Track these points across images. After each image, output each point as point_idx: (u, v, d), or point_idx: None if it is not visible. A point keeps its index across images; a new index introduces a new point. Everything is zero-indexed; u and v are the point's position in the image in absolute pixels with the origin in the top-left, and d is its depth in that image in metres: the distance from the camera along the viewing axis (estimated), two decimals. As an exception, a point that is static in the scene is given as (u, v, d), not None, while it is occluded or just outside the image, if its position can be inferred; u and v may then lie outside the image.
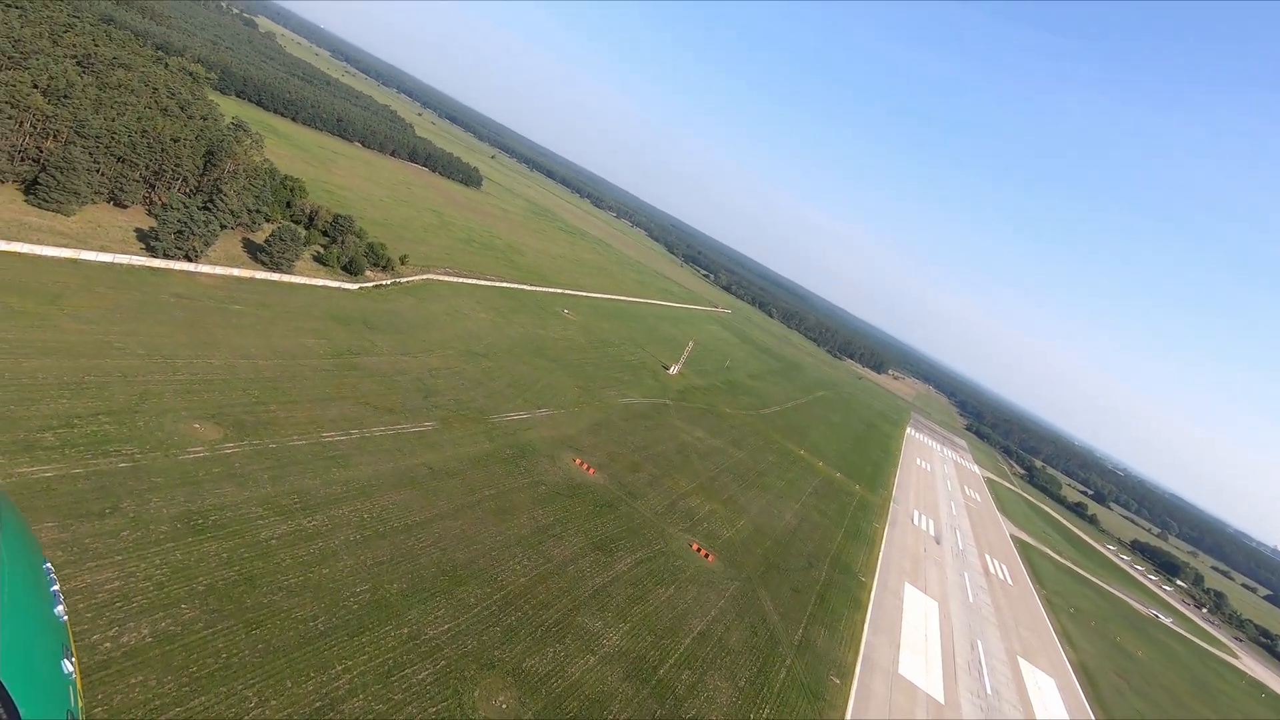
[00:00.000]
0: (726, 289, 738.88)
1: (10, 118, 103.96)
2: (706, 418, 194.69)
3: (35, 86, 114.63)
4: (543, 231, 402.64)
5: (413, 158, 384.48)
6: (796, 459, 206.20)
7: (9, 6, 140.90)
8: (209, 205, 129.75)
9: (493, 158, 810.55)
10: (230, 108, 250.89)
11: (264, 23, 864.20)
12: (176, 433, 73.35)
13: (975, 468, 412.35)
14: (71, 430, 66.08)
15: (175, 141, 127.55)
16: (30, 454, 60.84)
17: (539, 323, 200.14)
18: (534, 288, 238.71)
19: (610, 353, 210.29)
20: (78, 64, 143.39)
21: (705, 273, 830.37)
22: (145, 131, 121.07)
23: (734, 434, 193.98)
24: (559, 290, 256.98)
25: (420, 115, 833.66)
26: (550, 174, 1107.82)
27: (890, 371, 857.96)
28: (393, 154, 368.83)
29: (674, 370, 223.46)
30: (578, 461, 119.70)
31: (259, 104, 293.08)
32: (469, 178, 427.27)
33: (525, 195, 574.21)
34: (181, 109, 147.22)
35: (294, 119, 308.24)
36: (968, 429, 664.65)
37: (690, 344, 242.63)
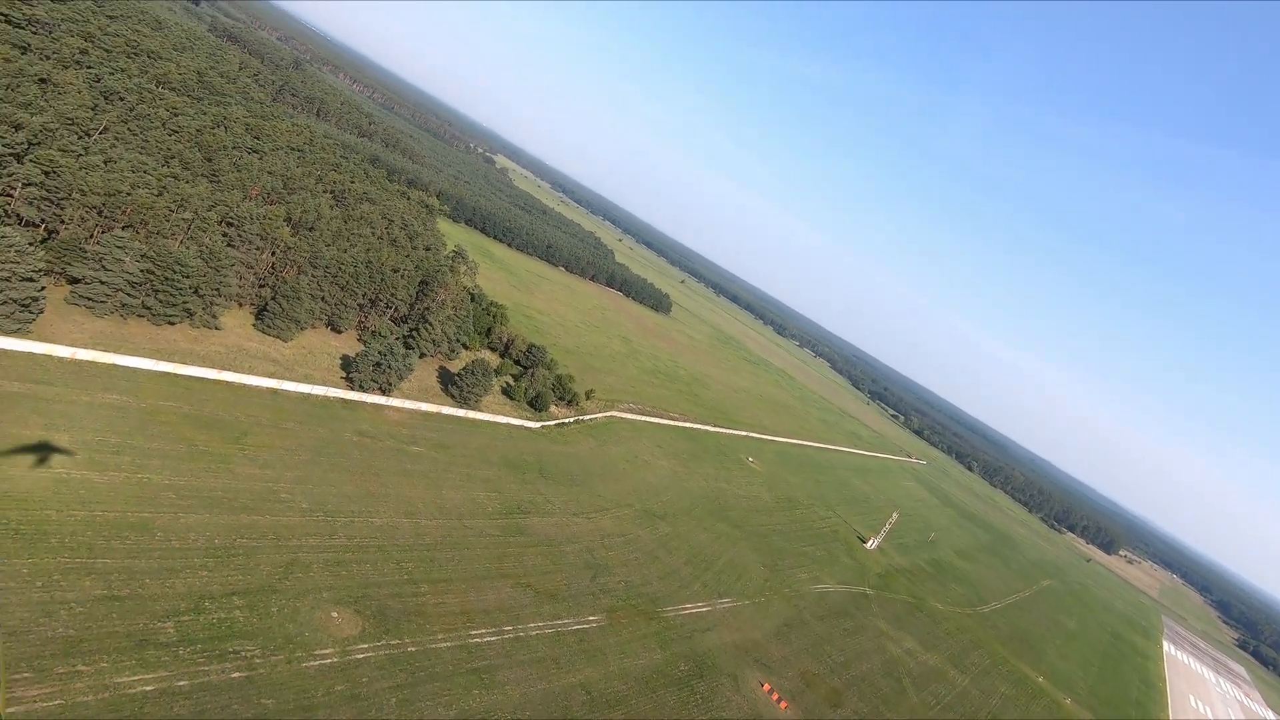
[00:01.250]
0: (918, 434, 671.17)
1: (259, 248, 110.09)
2: (915, 618, 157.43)
3: (288, 220, 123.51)
4: (727, 361, 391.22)
5: (610, 283, 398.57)
6: (1035, 692, 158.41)
7: (291, 150, 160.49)
8: (414, 334, 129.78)
9: (682, 282, 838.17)
10: (457, 234, 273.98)
11: (502, 161, 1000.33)
12: (310, 624, 61.37)
13: (1271, 716, 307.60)
14: (197, 619, 55.99)
15: (395, 271, 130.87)
16: (140, 654, 50.53)
17: (722, 473, 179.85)
18: (717, 429, 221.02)
19: (799, 516, 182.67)
20: (332, 197, 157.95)
21: (894, 413, 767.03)
22: (370, 261, 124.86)
23: (951, 645, 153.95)
24: (743, 432, 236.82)
25: (620, 240, 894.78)
26: (735, 299, 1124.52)
27: (1122, 552, 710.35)
28: (592, 279, 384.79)
29: (872, 545, 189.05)
30: (766, 688, 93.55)
31: (482, 230, 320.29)
32: (659, 303, 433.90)
33: (711, 321, 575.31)
34: (409, 239, 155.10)
35: (509, 244, 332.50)
36: (1240, 645, 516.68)
37: (894, 515, 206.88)
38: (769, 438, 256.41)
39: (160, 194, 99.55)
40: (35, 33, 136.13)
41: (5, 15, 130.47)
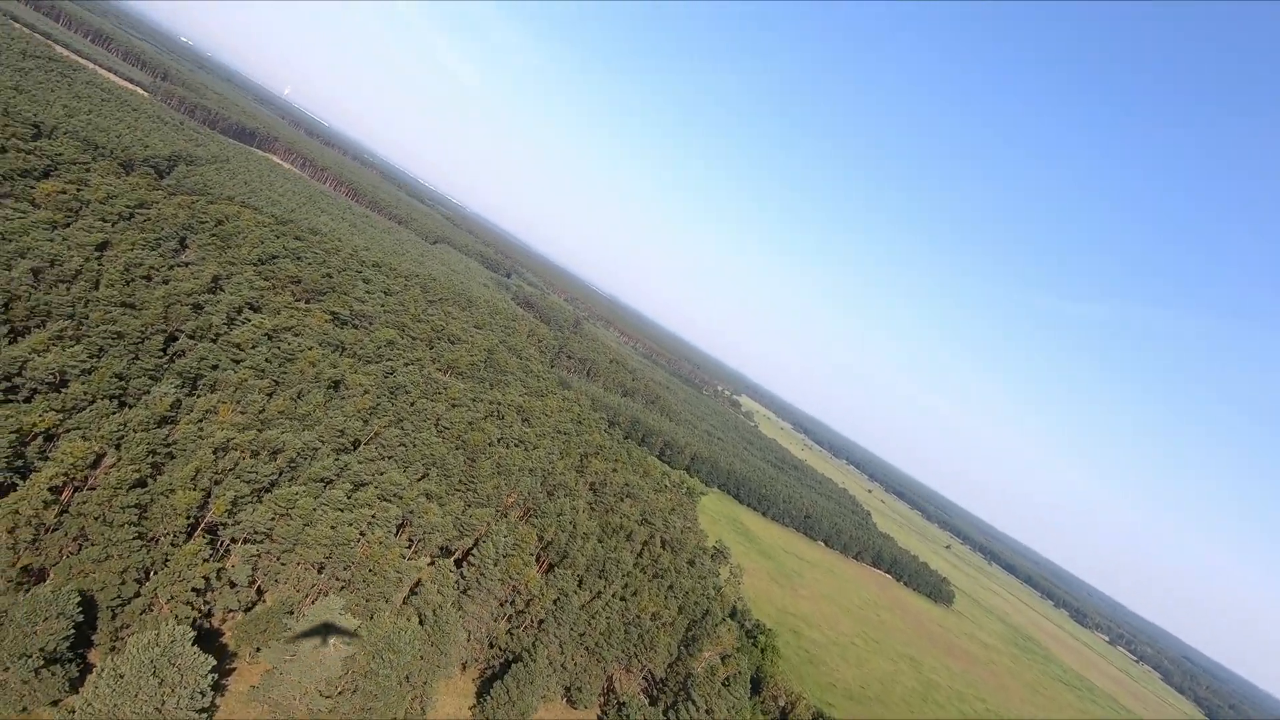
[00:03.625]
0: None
1: (499, 598, 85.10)
2: None
3: (540, 540, 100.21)
4: (1040, 687, 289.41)
5: (877, 562, 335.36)
6: None
7: (558, 434, 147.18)
8: (673, 711, 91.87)
9: (947, 547, 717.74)
10: (713, 505, 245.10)
11: (746, 402, 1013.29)
12: None
13: None
14: None
15: (654, 619, 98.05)
16: None
17: None
18: None
19: None
20: (592, 492, 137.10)
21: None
22: (626, 611, 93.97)
23: None
24: None
25: (870, 492, 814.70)
26: (1011, 568, 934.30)
27: None
28: (857, 557, 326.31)
29: None
30: None
31: (737, 497, 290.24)
32: (937, 591, 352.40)
33: (998, 611, 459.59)
34: (672, 552, 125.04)
35: (765, 513, 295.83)
36: None
37: None
38: None
39: (400, 528, 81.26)
40: (356, 326, 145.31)
41: (334, 314, 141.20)
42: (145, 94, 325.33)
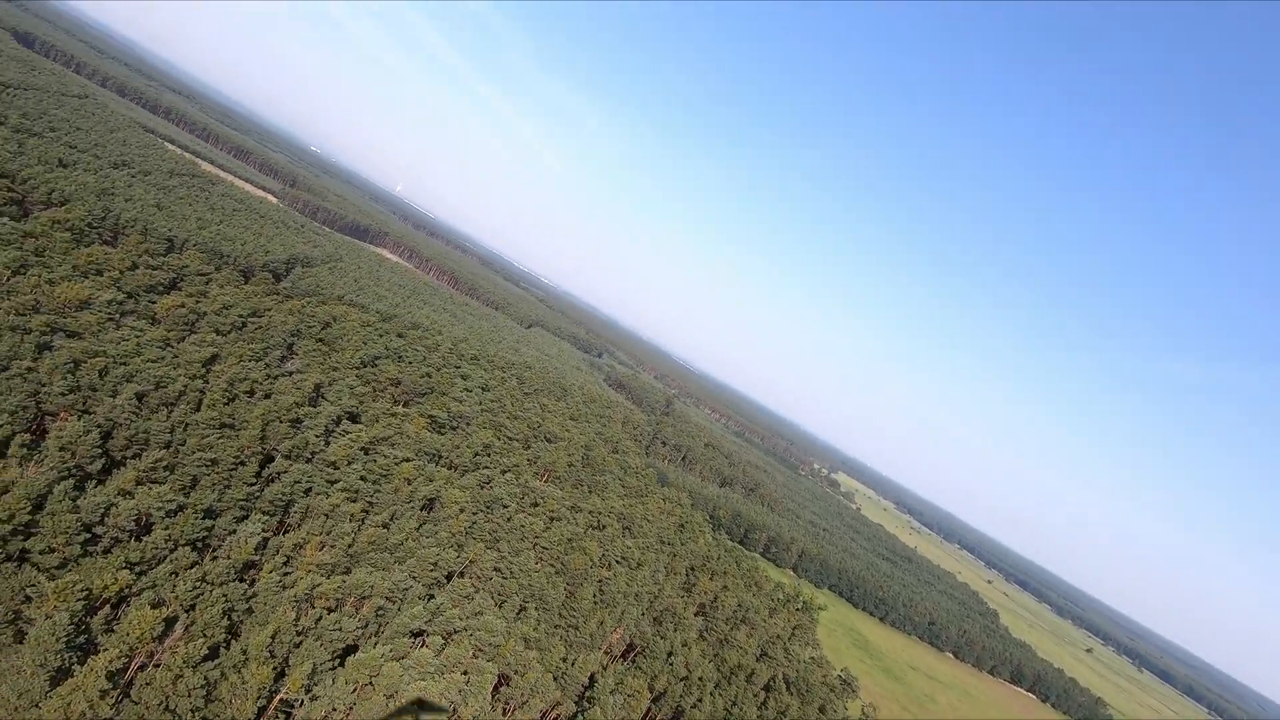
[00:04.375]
0: None
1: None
2: None
3: (650, 692, 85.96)
4: None
5: (1015, 677, 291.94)
6: None
7: (662, 545, 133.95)
8: None
9: (1089, 651, 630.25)
10: (827, 610, 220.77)
11: (844, 480, 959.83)
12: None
13: None
14: None
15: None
16: None
17: None
18: None
19: None
20: (702, 617, 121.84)
21: None
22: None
23: None
24: None
25: (990, 583, 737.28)
26: (1166, 676, 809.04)
27: None
28: (991, 671, 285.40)
29: None
30: None
31: (850, 600, 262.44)
32: (1091, 713, 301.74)
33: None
34: (800, 695, 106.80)
35: (883, 619, 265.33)
36: None
37: None
38: None
39: (496, 688, 69.93)
40: (454, 429, 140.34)
41: (431, 417, 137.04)
42: (275, 200, 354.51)
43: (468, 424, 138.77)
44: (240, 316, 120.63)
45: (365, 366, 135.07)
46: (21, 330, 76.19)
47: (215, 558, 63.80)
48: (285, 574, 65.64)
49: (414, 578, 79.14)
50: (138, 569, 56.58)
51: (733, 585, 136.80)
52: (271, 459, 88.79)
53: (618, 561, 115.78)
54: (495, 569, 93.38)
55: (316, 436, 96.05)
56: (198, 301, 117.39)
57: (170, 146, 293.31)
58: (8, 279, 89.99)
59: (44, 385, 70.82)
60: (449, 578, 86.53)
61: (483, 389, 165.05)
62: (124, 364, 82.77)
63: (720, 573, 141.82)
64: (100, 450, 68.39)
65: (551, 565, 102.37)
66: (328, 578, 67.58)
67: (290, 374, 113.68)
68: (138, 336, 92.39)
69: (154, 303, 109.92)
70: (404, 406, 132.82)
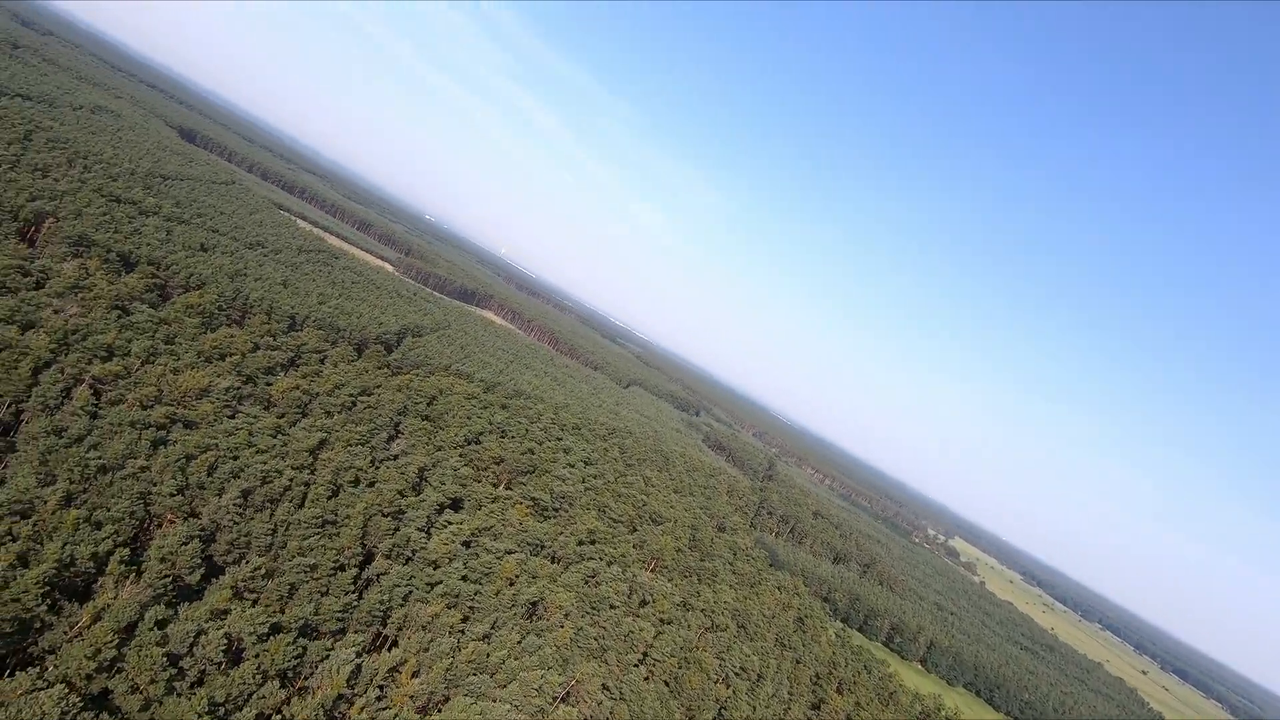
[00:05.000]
0: None
1: None
2: None
3: None
4: None
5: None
6: None
7: (783, 648, 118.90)
8: None
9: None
10: (963, 710, 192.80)
11: (962, 548, 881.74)
12: None
13: None
14: None
15: None
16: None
17: None
18: None
19: None
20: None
21: None
22: None
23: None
24: None
25: (1145, 673, 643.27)
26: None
27: None
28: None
29: None
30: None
31: (990, 701, 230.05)
32: None
33: None
34: None
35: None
36: None
37: None
38: None
39: None
40: (557, 512, 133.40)
41: (534, 500, 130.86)
42: (391, 269, 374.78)
43: (571, 505, 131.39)
44: (350, 396, 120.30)
45: (469, 445, 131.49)
46: (140, 426, 75.82)
47: (304, 689, 57.71)
48: (379, 710, 58.54)
49: (516, 706, 70.28)
50: (221, 710, 50.98)
51: (865, 701, 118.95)
52: (371, 557, 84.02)
53: (736, 674, 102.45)
54: (604, 687, 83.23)
55: (418, 530, 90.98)
56: (311, 382, 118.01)
57: (301, 223, 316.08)
58: (138, 368, 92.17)
59: (154, 486, 69.07)
60: (554, 701, 77.05)
61: (585, 462, 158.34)
62: (234, 457, 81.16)
63: (850, 682, 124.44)
64: (201, 559, 65.08)
65: (664, 682, 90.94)
66: (423, 715, 59.89)
67: (395, 457, 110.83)
68: (250, 425, 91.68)
69: (270, 384, 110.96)
70: (507, 488, 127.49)
